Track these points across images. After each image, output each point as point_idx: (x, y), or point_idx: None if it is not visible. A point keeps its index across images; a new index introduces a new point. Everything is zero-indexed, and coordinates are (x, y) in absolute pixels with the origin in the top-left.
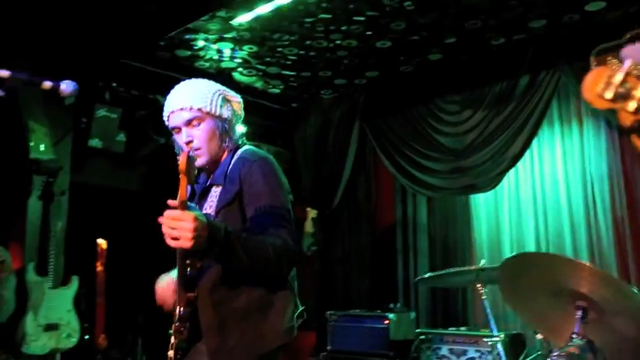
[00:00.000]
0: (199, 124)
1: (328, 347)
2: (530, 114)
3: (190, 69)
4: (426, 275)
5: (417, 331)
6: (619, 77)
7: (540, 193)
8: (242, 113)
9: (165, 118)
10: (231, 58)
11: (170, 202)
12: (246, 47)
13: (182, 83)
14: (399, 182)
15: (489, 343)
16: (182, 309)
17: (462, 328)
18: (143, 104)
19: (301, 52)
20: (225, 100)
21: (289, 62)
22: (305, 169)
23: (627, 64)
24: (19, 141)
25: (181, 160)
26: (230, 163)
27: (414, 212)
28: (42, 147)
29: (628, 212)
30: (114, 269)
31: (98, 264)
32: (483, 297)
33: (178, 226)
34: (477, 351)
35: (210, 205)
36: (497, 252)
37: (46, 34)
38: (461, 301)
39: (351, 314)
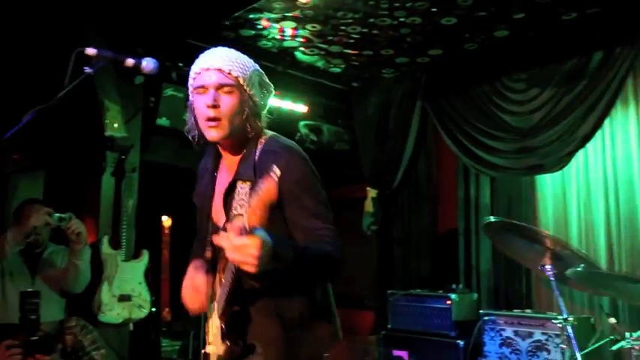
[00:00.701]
0: (230, 93)
1: (388, 325)
2: (602, 92)
3: (253, 48)
4: (492, 219)
5: (481, 312)
6: None
7: (612, 173)
8: (268, 105)
9: (192, 74)
10: (294, 37)
11: (230, 226)
12: (308, 26)
13: (222, 48)
14: (461, 162)
15: (559, 325)
16: (224, 324)
17: (528, 311)
18: None
19: (364, 30)
20: (262, 83)
21: (352, 41)
22: (365, 148)
23: None
24: (94, 118)
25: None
26: (256, 154)
27: (476, 193)
28: (116, 125)
29: None
30: (178, 246)
31: (163, 241)
32: (551, 278)
33: (244, 252)
34: (543, 334)
35: (241, 205)
36: (563, 233)
37: (117, 15)
38: (525, 283)
39: (412, 294)
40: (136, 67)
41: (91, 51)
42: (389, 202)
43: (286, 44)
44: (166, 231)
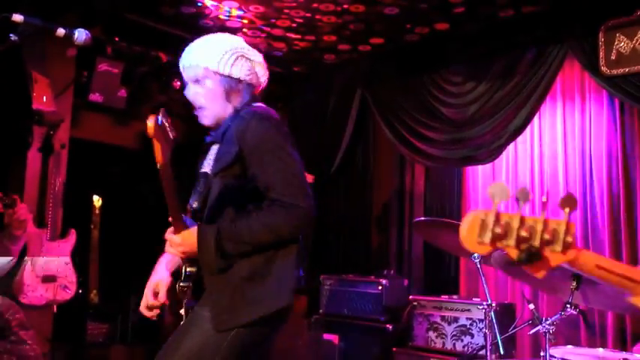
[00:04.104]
0: (204, 82)
1: (321, 310)
2: (534, 88)
3: (194, 26)
4: (422, 218)
5: (410, 297)
6: (491, 218)
7: (537, 167)
8: (264, 72)
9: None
10: (237, 17)
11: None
12: (252, 7)
13: (199, 39)
14: (398, 152)
15: (482, 310)
16: (187, 268)
17: (454, 297)
18: (145, 60)
19: (308, 14)
20: (241, 59)
21: (295, 25)
22: (304, 134)
23: (494, 203)
24: (21, 91)
25: (149, 126)
26: (230, 122)
27: (411, 183)
28: (44, 98)
29: (624, 192)
30: (108, 226)
31: (92, 220)
32: (478, 266)
33: (172, 246)
34: (468, 319)
35: (209, 163)
36: None
37: None
38: (452, 271)
39: (345, 279)
40: (67, 38)
41: (17, 17)
42: (325, 188)
43: (229, 24)
44: (97, 210)
